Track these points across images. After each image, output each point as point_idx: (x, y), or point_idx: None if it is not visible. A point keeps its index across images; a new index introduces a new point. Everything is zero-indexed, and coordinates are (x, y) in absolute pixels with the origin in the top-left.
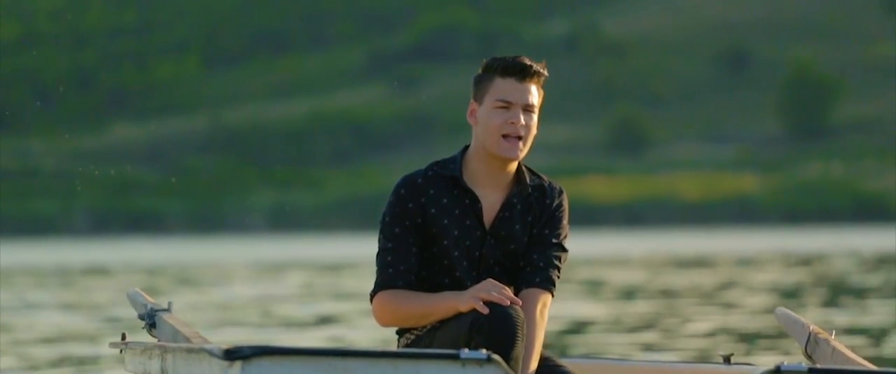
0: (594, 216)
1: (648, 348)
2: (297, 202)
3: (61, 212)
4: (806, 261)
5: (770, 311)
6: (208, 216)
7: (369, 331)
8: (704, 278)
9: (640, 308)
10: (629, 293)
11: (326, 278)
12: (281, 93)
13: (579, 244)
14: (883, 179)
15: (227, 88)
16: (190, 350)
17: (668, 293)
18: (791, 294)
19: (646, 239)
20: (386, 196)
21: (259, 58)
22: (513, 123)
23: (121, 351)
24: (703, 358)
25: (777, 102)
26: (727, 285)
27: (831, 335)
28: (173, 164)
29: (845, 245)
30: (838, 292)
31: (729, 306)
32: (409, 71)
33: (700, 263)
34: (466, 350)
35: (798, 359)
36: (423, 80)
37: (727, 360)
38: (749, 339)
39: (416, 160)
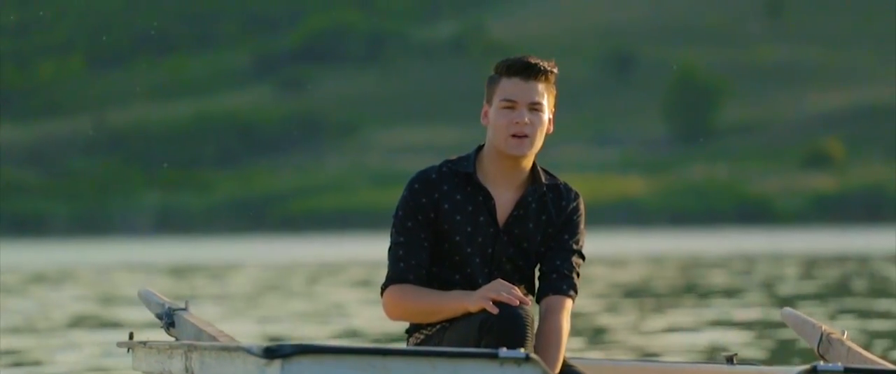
0: None
1: None
2: (183, 204)
3: None
4: (692, 263)
5: (610, 313)
6: (93, 218)
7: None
8: (589, 278)
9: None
10: None
11: (211, 279)
12: (166, 94)
13: None
14: (766, 182)
15: (112, 88)
16: (224, 348)
17: None
18: (663, 295)
19: None
20: (273, 198)
21: (144, 58)
22: (517, 121)
23: (128, 351)
24: (707, 359)
25: (662, 104)
26: (608, 286)
27: (844, 335)
28: (57, 165)
29: (728, 247)
30: (707, 293)
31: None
32: (295, 72)
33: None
34: (505, 349)
35: (811, 359)
36: (310, 81)
37: (730, 360)
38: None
39: (304, 162)
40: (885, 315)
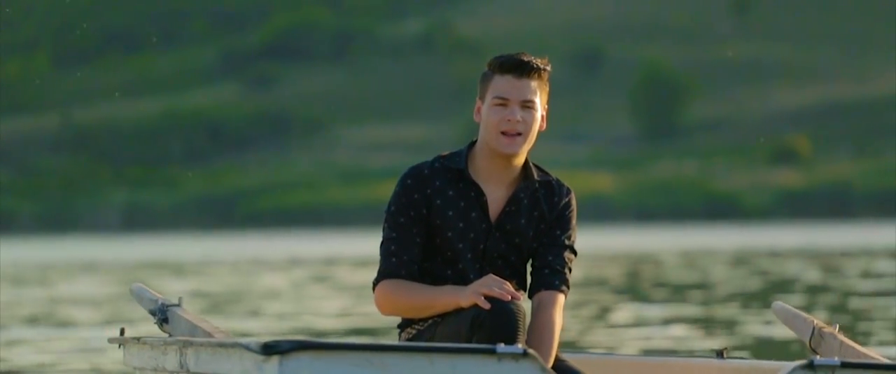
0: None
1: None
2: (151, 202)
3: None
4: (655, 259)
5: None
6: (60, 216)
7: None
8: None
9: None
10: None
11: (174, 276)
12: (133, 92)
13: None
14: (733, 178)
15: (79, 86)
16: (221, 345)
17: None
18: (625, 291)
19: None
20: (241, 195)
21: (110, 56)
22: (509, 119)
23: (119, 346)
24: (695, 353)
25: (630, 102)
26: (583, 283)
27: (835, 329)
28: (24, 163)
29: (698, 243)
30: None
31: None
32: (263, 70)
33: None
34: (503, 345)
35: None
36: (277, 78)
37: (720, 354)
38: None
39: (272, 159)
40: (857, 312)
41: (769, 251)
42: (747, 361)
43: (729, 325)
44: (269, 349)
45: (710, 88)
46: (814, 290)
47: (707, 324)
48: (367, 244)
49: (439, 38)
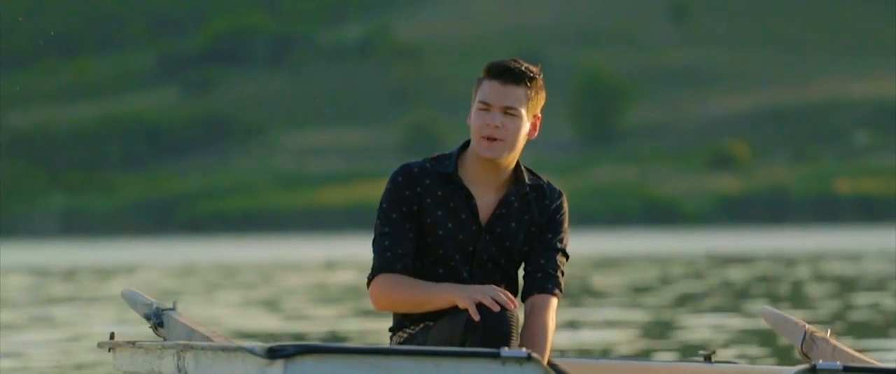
0: None
1: None
2: (88, 207)
3: None
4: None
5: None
6: None
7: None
8: None
9: None
10: None
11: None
12: (70, 96)
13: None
14: (672, 183)
15: (14, 91)
16: (224, 348)
17: None
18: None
19: None
20: (179, 200)
21: (47, 60)
22: (488, 124)
23: (109, 350)
24: (684, 357)
25: (569, 107)
26: None
27: (827, 333)
28: None
29: (634, 247)
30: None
31: None
32: (201, 74)
33: None
34: (507, 349)
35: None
36: (216, 83)
37: (708, 358)
38: None
39: (211, 164)
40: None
41: (707, 256)
42: (735, 365)
43: (665, 328)
44: (274, 353)
45: (648, 93)
46: (743, 295)
47: (643, 327)
48: (308, 249)
49: (379, 43)
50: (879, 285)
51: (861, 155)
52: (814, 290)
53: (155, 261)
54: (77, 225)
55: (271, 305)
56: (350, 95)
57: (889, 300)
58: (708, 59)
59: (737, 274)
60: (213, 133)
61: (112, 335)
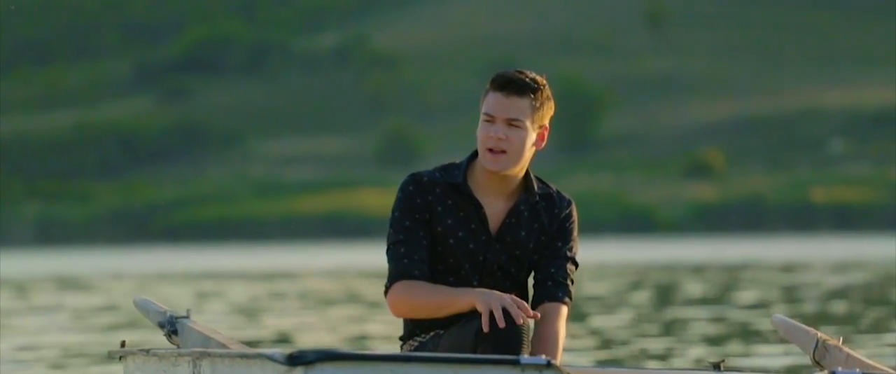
0: (367, 229)
1: None
2: (64, 215)
3: None
4: None
5: None
6: None
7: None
8: None
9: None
10: None
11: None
12: (46, 104)
13: (349, 256)
14: (648, 191)
15: None
16: (242, 356)
17: None
18: None
19: None
20: (155, 208)
21: (22, 68)
22: (491, 136)
23: (119, 358)
24: (693, 366)
25: None
26: None
27: (840, 341)
28: None
29: (610, 256)
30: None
31: None
32: (177, 82)
33: None
34: (526, 356)
35: (806, 362)
36: (192, 91)
37: (717, 367)
38: None
39: (187, 172)
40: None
41: (682, 265)
42: (745, 373)
43: (629, 338)
44: (295, 360)
45: (625, 101)
46: (714, 302)
47: (605, 337)
48: (283, 258)
49: (354, 51)
50: (860, 293)
51: (836, 164)
52: (800, 297)
53: (129, 270)
54: (52, 234)
55: (250, 313)
56: (326, 104)
57: (861, 309)
58: (684, 68)
59: (712, 281)
60: (188, 141)
61: (123, 344)
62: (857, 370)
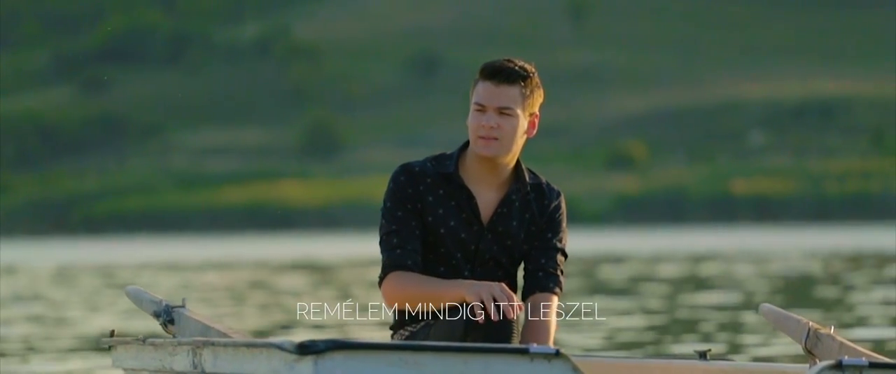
0: (290, 219)
1: None
2: None
3: None
4: None
5: None
6: None
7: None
8: None
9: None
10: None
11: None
12: None
13: (274, 249)
14: (570, 183)
15: None
16: (249, 345)
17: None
18: None
19: (339, 244)
20: (76, 200)
21: None
22: (483, 125)
23: (109, 348)
24: (678, 355)
25: (466, 107)
26: None
27: (831, 329)
28: None
29: None
30: None
31: None
32: (97, 73)
33: None
34: (536, 345)
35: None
36: (112, 82)
37: (703, 356)
38: None
39: (107, 163)
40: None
41: (604, 256)
42: (731, 362)
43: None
44: (305, 349)
45: (546, 93)
46: (643, 294)
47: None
48: (207, 249)
49: (276, 42)
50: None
51: (756, 155)
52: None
53: (49, 261)
54: None
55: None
56: (248, 95)
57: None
58: (605, 60)
59: (625, 273)
60: (109, 132)
61: (112, 333)
62: (864, 359)
